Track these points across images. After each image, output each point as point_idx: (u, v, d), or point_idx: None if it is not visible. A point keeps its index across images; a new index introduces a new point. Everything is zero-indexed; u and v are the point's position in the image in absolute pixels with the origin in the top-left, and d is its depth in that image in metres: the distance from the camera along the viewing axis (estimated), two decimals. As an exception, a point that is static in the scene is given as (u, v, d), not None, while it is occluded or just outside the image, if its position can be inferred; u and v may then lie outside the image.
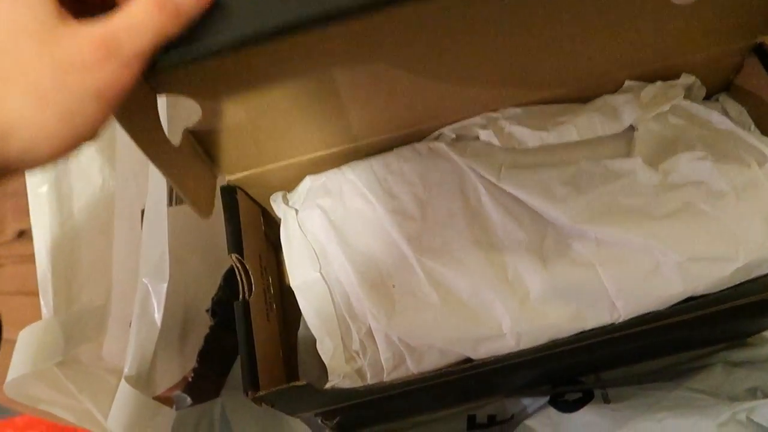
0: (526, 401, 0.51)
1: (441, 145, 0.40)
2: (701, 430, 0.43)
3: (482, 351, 0.37)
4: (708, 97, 0.45)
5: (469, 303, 0.37)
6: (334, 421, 0.45)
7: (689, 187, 0.37)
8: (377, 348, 0.37)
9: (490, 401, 0.53)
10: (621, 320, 0.36)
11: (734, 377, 0.48)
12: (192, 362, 0.52)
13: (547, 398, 0.49)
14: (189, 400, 0.49)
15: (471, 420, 0.52)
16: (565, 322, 0.36)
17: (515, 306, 0.36)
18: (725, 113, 0.43)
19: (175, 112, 0.38)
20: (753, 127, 0.42)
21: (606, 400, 0.48)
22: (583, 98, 0.42)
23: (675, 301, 0.36)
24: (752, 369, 0.48)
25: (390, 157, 0.41)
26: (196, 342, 0.52)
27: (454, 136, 0.41)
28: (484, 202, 0.39)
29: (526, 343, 0.37)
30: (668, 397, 0.46)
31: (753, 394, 0.46)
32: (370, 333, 0.37)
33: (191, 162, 0.38)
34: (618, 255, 0.36)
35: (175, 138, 0.34)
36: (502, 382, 0.49)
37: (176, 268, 0.45)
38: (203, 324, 0.54)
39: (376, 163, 0.41)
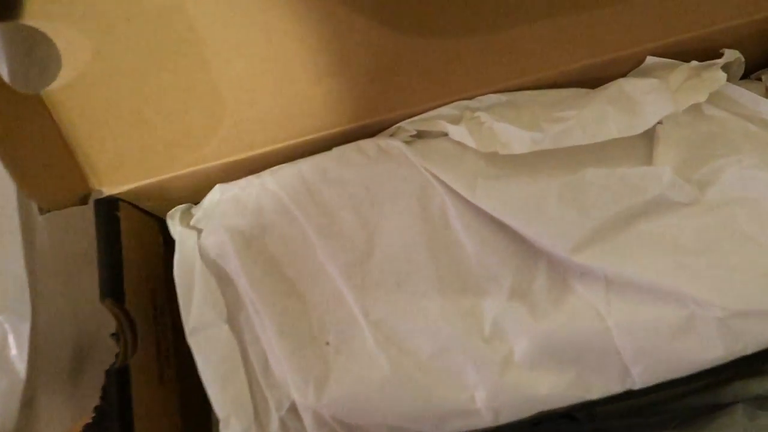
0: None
1: (397, 144, 0.29)
2: (725, 501, 0.34)
3: (449, 428, 0.27)
4: (746, 75, 0.35)
5: (431, 368, 0.26)
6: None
7: (735, 208, 0.27)
8: (304, 429, 0.27)
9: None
10: (636, 388, 0.27)
11: (758, 424, 0.39)
12: (93, 400, 0.42)
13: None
14: (87, 450, 0.39)
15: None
16: (561, 392, 0.26)
17: (493, 372, 0.26)
18: (770, 99, 0.33)
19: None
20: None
21: (604, 455, 0.39)
22: (589, 81, 0.31)
23: (712, 365, 0.26)
24: (779, 412, 0.39)
25: (327, 160, 0.30)
26: (98, 375, 0.42)
27: (414, 132, 0.30)
28: (453, 225, 0.28)
29: (507, 418, 0.27)
30: (683, 452, 0.37)
31: (783, 447, 0.37)
32: (294, 409, 0.27)
33: (52, 151, 0.27)
34: (636, 304, 0.26)
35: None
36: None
37: (57, 289, 0.35)
38: (107, 352, 0.44)
39: (307, 167, 0.30)
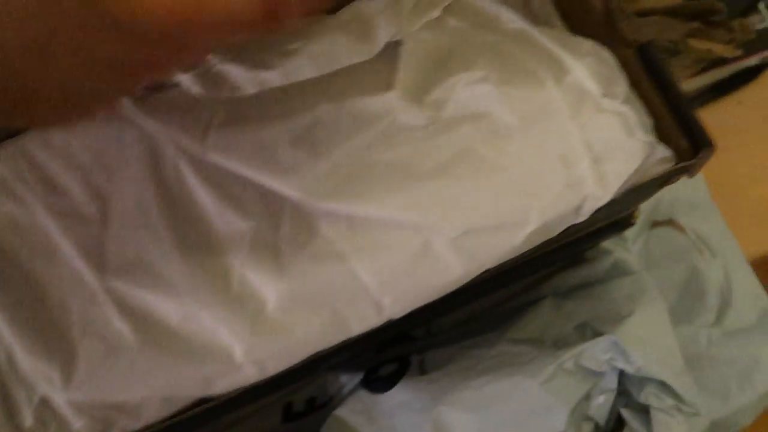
0: (344, 378, 0.43)
1: (123, 102, 0.26)
2: (524, 391, 0.36)
3: (218, 388, 0.26)
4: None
5: (181, 334, 0.26)
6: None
7: (467, 126, 0.26)
8: (63, 418, 0.25)
9: (309, 381, 0.44)
10: (395, 317, 0.27)
11: (562, 313, 0.41)
12: None
13: (361, 376, 0.41)
14: None
15: (287, 410, 0.43)
16: (320, 333, 0.26)
17: (245, 326, 0.26)
18: (526, 4, 0.32)
19: None
20: (558, 20, 0.31)
21: (422, 370, 0.40)
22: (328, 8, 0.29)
23: (457, 285, 0.26)
24: (583, 298, 0.42)
25: (48, 129, 0.26)
26: None
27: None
28: (188, 183, 0.26)
29: (275, 368, 0.26)
30: (489, 355, 0.38)
31: (582, 332, 0.39)
32: (47, 401, 0.25)
33: None
34: (377, 237, 0.25)
35: None
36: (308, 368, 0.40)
37: None
38: None
39: (28, 138, 0.27)
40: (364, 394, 0.40)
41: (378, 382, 0.40)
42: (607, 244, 0.48)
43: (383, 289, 0.26)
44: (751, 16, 0.61)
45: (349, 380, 0.42)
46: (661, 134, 0.28)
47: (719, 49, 0.51)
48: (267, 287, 0.26)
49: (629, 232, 0.49)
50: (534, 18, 0.31)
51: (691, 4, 0.49)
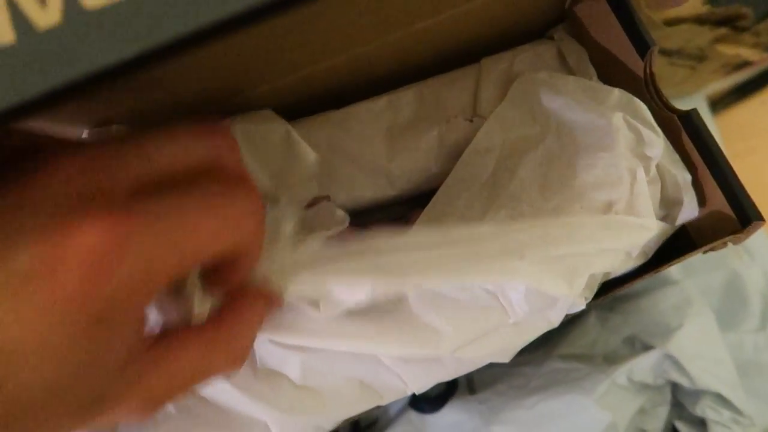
0: (389, 398, 0.41)
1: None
2: (578, 409, 0.35)
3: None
4: (541, 34, 0.31)
5: (215, 403, 0.25)
6: None
7: None
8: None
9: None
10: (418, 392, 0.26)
11: (609, 327, 0.39)
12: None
13: (408, 397, 0.39)
14: None
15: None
16: (352, 404, 0.26)
17: (275, 404, 0.25)
18: (562, 58, 0.30)
19: None
20: (595, 76, 0.29)
21: (471, 390, 0.38)
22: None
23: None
24: (628, 311, 0.40)
25: None
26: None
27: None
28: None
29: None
30: (538, 373, 0.37)
31: (631, 345, 0.38)
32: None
33: None
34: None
35: None
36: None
37: None
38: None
39: None
40: (413, 416, 0.38)
41: (426, 403, 0.38)
42: (644, 252, 0.46)
43: (400, 370, 0.25)
44: (775, 14, 0.59)
45: (394, 401, 0.41)
46: (705, 200, 0.26)
47: (747, 54, 0.49)
48: (286, 362, 0.25)
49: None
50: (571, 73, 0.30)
51: (718, 10, 0.47)
